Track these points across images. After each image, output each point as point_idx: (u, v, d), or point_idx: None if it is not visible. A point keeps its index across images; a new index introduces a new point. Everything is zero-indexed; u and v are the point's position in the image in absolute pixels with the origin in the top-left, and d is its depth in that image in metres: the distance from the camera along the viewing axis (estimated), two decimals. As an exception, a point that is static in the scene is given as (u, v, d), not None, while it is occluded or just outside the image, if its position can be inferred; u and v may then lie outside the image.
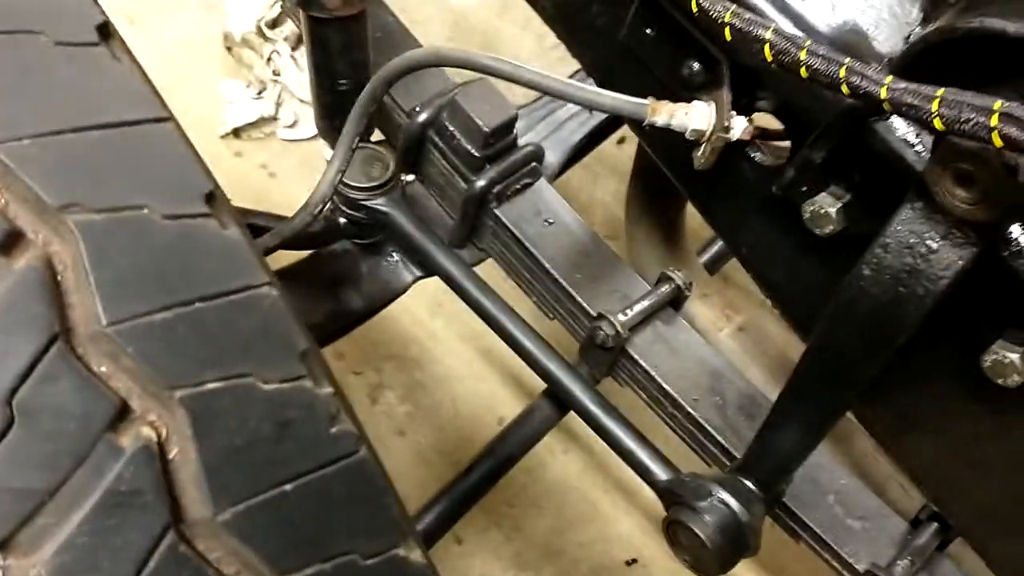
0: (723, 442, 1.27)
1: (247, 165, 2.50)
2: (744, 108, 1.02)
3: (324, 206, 1.27)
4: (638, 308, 1.31)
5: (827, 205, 0.95)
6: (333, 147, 1.44)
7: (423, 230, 1.41)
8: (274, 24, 2.63)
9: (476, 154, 1.33)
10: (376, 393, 2.21)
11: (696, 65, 1.02)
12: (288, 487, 0.79)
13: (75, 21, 0.84)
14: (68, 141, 0.76)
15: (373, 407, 2.19)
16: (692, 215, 1.62)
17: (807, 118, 0.98)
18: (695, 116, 1.00)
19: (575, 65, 1.34)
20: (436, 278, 1.49)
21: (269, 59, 2.61)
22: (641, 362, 1.30)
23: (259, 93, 2.60)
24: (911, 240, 0.86)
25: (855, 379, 0.98)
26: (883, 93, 0.77)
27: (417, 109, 1.36)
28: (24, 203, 0.73)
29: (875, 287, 0.90)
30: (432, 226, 1.44)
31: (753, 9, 0.94)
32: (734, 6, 0.87)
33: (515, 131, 1.36)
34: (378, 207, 1.41)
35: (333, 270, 1.48)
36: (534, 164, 1.39)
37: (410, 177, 1.43)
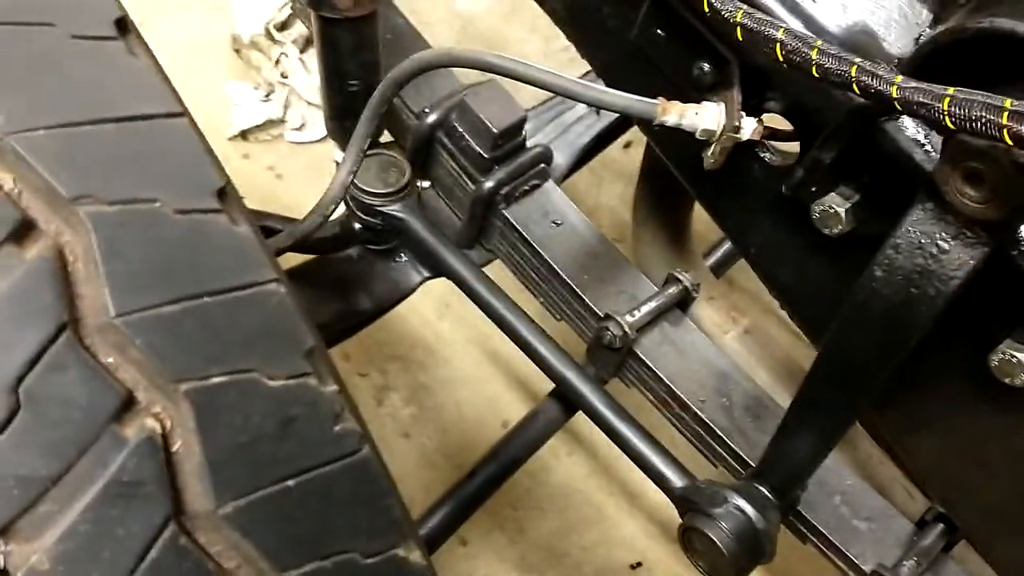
0: (730, 443, 1.26)
1: (254, 167, 2.51)
2: (753, 109, 1.02)
3: (336, 207, 1.27)
4: (645, 309, 1.31)
5: (836, 205, 0.96)
6: (342, 148, 1.45)
7: (438, 236, 1.41)
8: (282, 27, 2.63)
9: (485, 155, 1.33)
10: (381, 395, 2.21)
11: (706, 66, 1.02)
12: (290, 483, 0.79)
13: (93, 15, 0.84)
14: (83, 133, 0.77)
15: (378, 409, 2.19)
16: (697, 219, 1.63)
17: (816, 119, 0.98)
18: (705, 116, 1.00)
19: (582, 68, 1.35)
20: (442, 280, 1.49)
21: (277, 61, 2.62)
22: (648, 363, 1.30)
23: (267, 95, 2.60)
24: (922, 240, 0.86)
25: (869, 382, 0.98)
26: (894, 92, 0.77)
27: (426, 110, 1.37)
28: (37, 193, 0.73)
29: (887, 288, 0.90)
30: (442, 229, 1.44)
31: (764, 10, 0.94)
32: (745, 7, 0.87)
33: (524, 133, 1.37)
34: (394, 213, 1.41)
35: (342, 270, 1.48)
36: (542, 166, 1.40)
37: (426, 183, 1.43)
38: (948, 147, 0.81)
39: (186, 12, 2.68)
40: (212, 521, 0.75)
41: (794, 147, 1.04)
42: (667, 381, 1.30)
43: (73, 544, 0.70)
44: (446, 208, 1.45)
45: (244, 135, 2.55)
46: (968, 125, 0.73)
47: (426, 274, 1.50)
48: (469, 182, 1.36)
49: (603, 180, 2.56)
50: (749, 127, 1.01)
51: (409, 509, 0.90)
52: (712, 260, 1.95)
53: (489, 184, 1.35)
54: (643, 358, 1.31)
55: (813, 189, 0.99)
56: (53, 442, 0.70)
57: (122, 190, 0.76)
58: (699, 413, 1.28)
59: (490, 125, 1.31)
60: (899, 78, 0.77)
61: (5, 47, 0.78)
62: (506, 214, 1.37)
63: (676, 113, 1.00)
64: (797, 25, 0.95)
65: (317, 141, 2.58)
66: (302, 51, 2.62)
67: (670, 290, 1.35)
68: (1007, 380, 0.91)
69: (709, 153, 1.02)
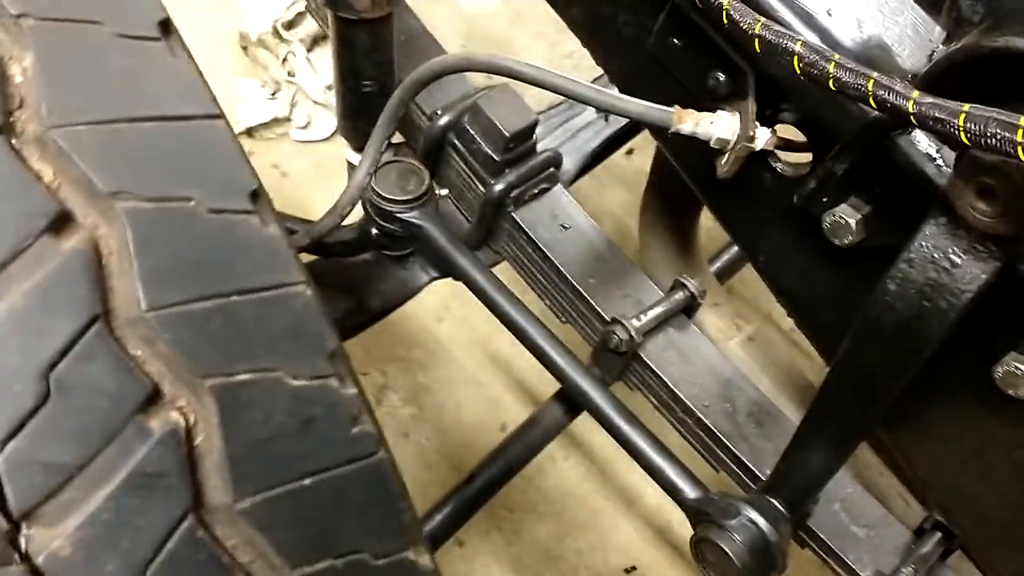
0: (733, 449, 1.28)
1: (259, 165, 2.47)
2: (767, 119, 1.04)
3: (352, 208, 1.28)
4: (651, 314, 1.33)
5: (847, 216, 0.97)
6: (354, 147, 1.46)
7: (455, 243, 1.42)
8: (290, 25, 2.64)
9: (496, 158, 1.34)
10: (380, 394, 2.22)
11: (722, 75, 1.04)
12: (307, 482, 0.80)
13: (139, 15, 0.86)
14: (123, 130, 0.78)
15: (377, 408, 2.19)
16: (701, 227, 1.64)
17: (830, 130, 0.99)
18: (720, 125, 1.01)
19: (585, 74, 1.36)
20: (444, 281, 1.50)
21: (284, 60, 2.63)
22: (653, 367, 1.32)
23: (273, 94, 2.61)
24: (935, 255, 0.87)
25: (881, 394, 0.99)
26: (910, 107, 0.78)
27: (439, 112, 1.38)
28: (76, 187, 0.74)
29: (900, 302, 0.91)
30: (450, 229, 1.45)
31: (781, 23, 0.95)
32: (763, 19, 0.89)
33: (535, 137, 1.38)
34: (412, 220, 1.42)
35: (352, 269, 1.49)
36: (552, 169, 1.41)
37: (444, 191, 1.44)
38: (961, 162, 0.82)
39: (195, 9, 2.68)
40: (229, 515, 0.76)
41: (806, 158, 1.06)
42: (671, 386, 1.31)
43: (93, 531, 0.71)
44: (455, 210, 1.47)
45: (250, 133, 2.56)
46: (983, 141, 0.74)
47: (434, 274, 1.51)
48: (479, 184, 1.38)
49: (605, 186, 2.58)
50: (763, 137, 1.02)
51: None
52: (714, 268, 1.96)
53: (499, 187, 1.36)
54: (648, 362, 1.32)
55: (824, 200, 1.00)
56: (80, 430, 0.71)
57: (158, 187, 0.77)
58: (703, 418, 1.29)
59: (502, 128, 1.32)
60: (916, 93, 0.78)
61: (52, 42, 0.79)
62: (515, 217, 1.38)
63: (691, 121, 1.02)
64: (813, 38, 0.96)
65: (322, 140, 2.59)
66: (309, 50, 2.63)
67: (676, 296, 1.37)
68: (1011, 392, 0.93)
69: (722, 162, 1.04)
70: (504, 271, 1.46)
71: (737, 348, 1.51)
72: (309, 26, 2.61)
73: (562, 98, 1.27)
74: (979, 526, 1.12)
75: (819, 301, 1.11)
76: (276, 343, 0.80)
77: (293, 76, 2.61)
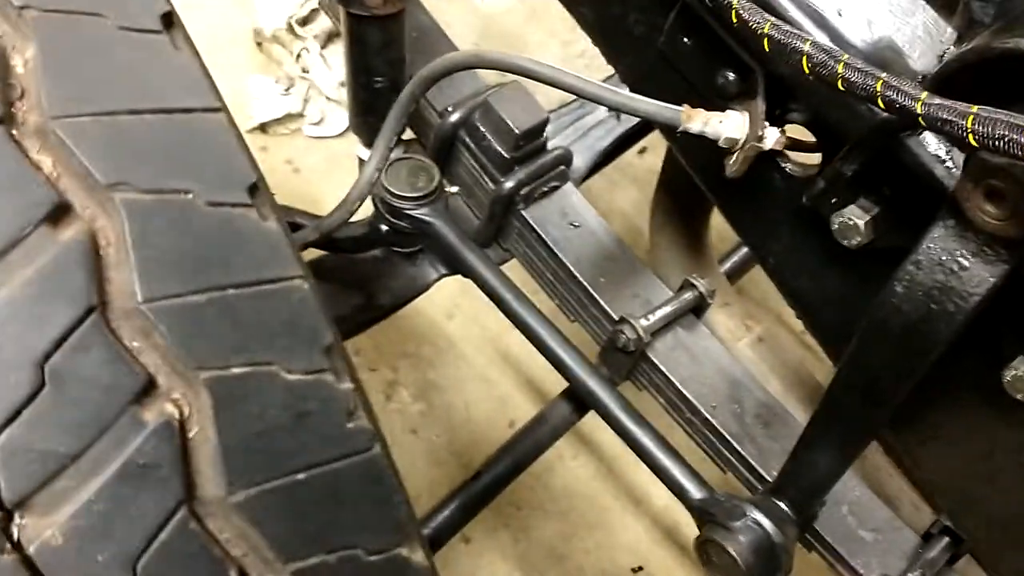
0: (740, 450, 1.27)
1: (272, 160, 2.52)
2: (776, 119, 1.03)
3: (361, 203, 1.28)
4: (660, 314, 1.32)
5: (856, 217, 0.96)
6: (365, 143, 1.46)
7: (465, 241, 1.42)
8: (304, 22, 2.65)
9: (506, 155, 1.34)
10: (390, 390, 2.22)
11: (731, 75, 1.03)
12: (301, 476, 0.80)
13: (141, 8, 0.86)
14: (123, 122, 0.78)
15: (387, 404, 2.20)
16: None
17: (839, 131, 0.99)
18: (729, 125, 1.01)
19: (598, 74, 1.35)
20: (454, 278, 1.50)
21: (298, 56, 2.63)
22: (661, 367, 1.31)
23: (287, 89, 2.61)
24: (943, 257, 0.86)
25: (888, 397, 0.98)
26: (919, 108, 0.77)
27: (450, 109, 1.38)
28: (75, 178, 0.74)
29: (907, 304, 0.90)
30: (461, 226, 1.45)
31: (791, 22, 0.94)
32: (773, 19, 0.88)
33: (545, 135, 1.38)
34: (422, 217, 1.42)
35: (362, 265, 1.49)
36: (562, 167, 1.41)
37: (453, 188, 1.44)
38: (970, 164, 0.81)
39: (208, 5, 2.69)
40: (222, 508, 0.76)
41: (815, 158, 1.05)
42: (679, 386, 1.31)
43: (86, 521, 0.71)
44: (465, 207, 1.46)
45: (263, 128, 2.56)
46: (991, 143, 0.73)
47: (443, 271, 1.51)
48: (489, 182, 1.37)
49: (617, 185, 2.57)
50: (772, 137, 1.01)
51: (414, 505, 0.91)
52: (726, 267, 1.95)
53: (509, 184, 1.36)
54: (656, 362, 1.32)
55: (833, 200, 0.99)
56: (74, 420, 0.71)
57: (157, 180, 0.77)
58: (710, 419, 1.29)
59: (512, 126, 1.32)
60: (924, 94, 0.77)
61: (54, 34, 0.79)
62: (525, 214, 1.38)
63: (700, 120, 1.01)
64: (823, 38, 0.96)
65: (335, 136, 2.59)
66: (323, 46, 2.64)
67: (685, 296, 1.36)
68: (1019, 396, 0.92)
69: (731, 161, 1.03)
70: (516, 270, 1.46)
71: (746, 349, 1.50)
72: (323, 22, 2.62)
73: (573, 96, 1.27)
74: (986, 529, 1.11)
75: (827, 302, 1.10)
76: (272, 337, 0.80)
77: (307, 72, 2.61)
